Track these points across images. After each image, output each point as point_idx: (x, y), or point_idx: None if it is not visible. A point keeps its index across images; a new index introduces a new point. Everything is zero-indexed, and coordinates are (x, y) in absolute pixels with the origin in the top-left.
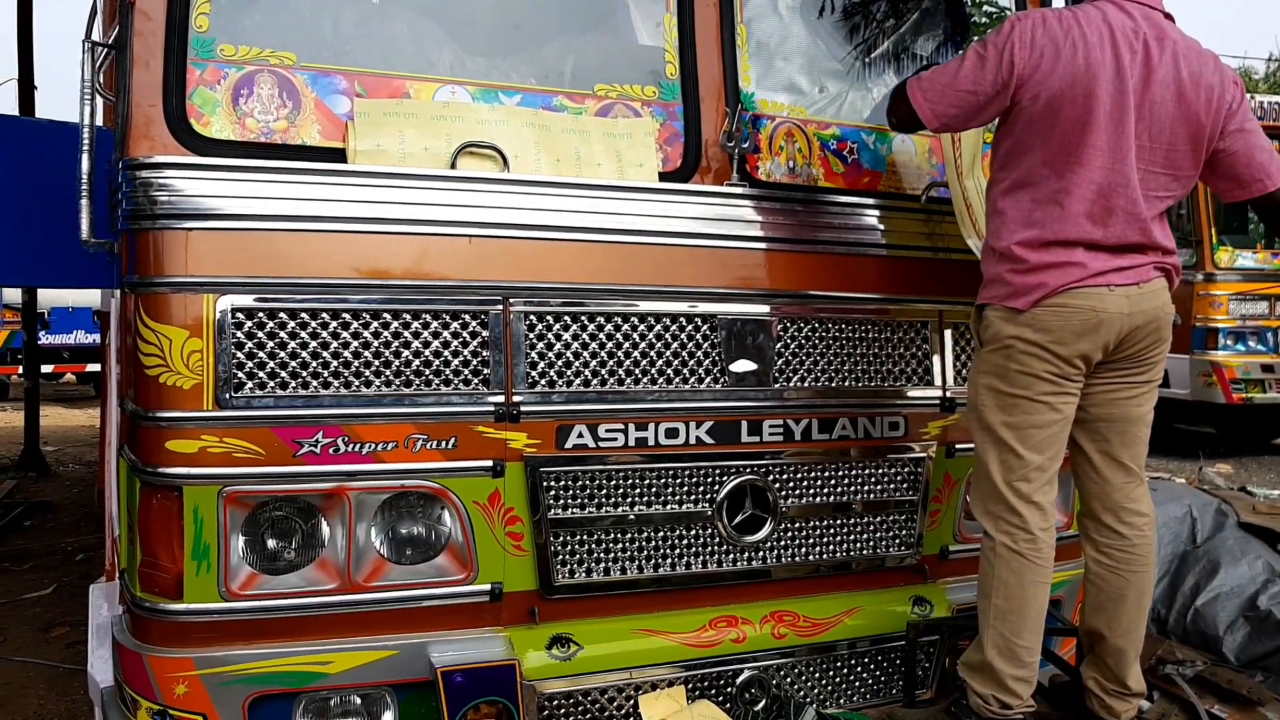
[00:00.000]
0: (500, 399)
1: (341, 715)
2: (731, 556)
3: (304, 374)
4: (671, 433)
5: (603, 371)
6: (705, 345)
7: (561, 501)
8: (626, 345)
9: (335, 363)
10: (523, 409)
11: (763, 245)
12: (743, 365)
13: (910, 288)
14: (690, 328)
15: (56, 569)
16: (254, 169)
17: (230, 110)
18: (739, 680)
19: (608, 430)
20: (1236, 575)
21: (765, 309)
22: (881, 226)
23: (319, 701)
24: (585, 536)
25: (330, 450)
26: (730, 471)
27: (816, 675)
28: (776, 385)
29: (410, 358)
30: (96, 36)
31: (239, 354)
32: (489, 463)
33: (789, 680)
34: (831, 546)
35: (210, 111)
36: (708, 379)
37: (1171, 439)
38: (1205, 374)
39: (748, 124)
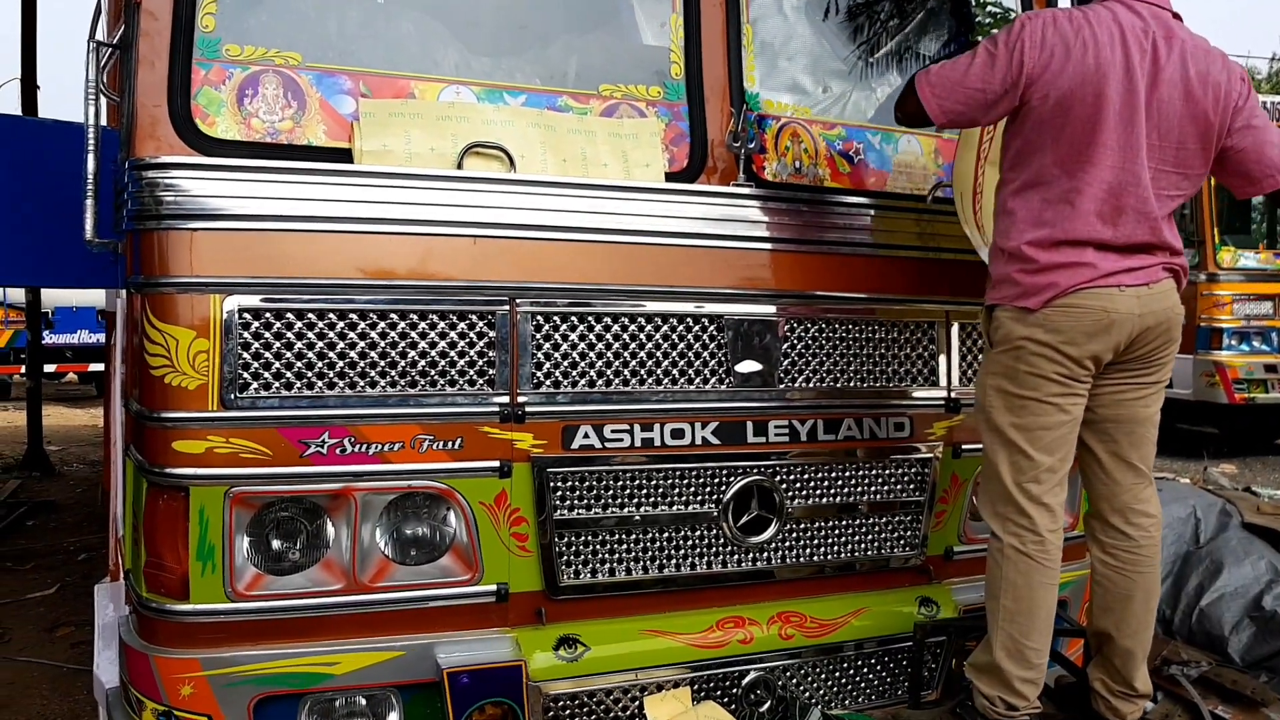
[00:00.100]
0: (506, 399)
1: (347, 716)
2: (737, 557)
3: (310, 374)
4: (677, 433)
5: (608, 372)
6: (711, 346)
7: (567, 502)
8: (633, 346)
9: (341, 363)
10: (529, 409)
11: (769, 246)
12: (748, 366)
13: (916, 288)
14: (696, 328)
15: (60, 569)
16: (259, 169)
17: (235, 110)
18: (744, 681)
19: (613, 431)
20: (1240, 576)
21: (771, 309)
22: (887, 227)
23: (324, 702)
24: (591, 537)
25: (337, 451)
26: (736, 472)
27: (822, 676)
28: (782, 386)
29: (416, 358)
30: (101, 36)
31: (245, 354)
32: (495, 463)
33: (794, 681)
34: (838, 547)
35: (215, 112)
36: (713, 379)
37: (1175, 439)
38: (1208, 374)
39: (753, 124)
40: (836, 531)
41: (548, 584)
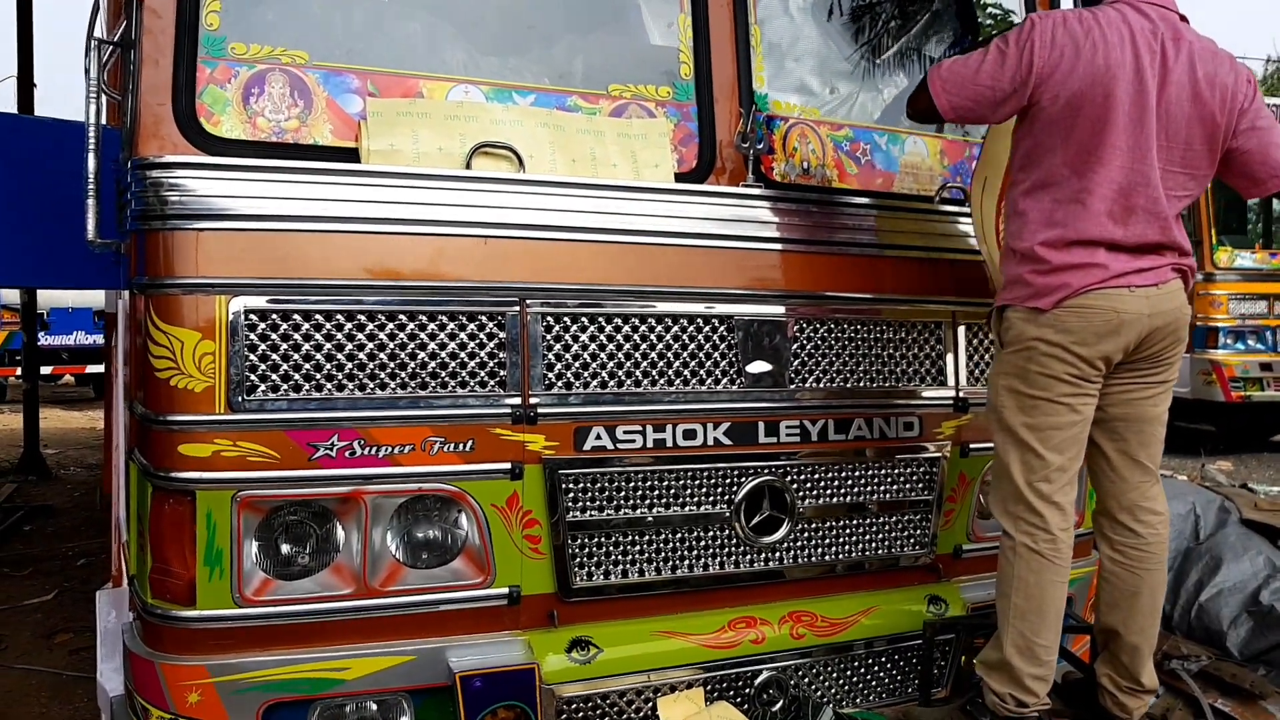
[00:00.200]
0: (518, 401)
1: None
2: (749, 558)
3: (318, 376)
4: (689, 434)
5: (620, 373)
6: (722, 346)
7: (580, 504)
8: (644, 346)
9: (350, 365)
10: (540, 411)
11: (778, 246)
12: (759, 366)
13: (924, 288)
14: (707, 329)
15: (57, 574)
16: (266, 169)
17: (241, 109)
18: (757, 681)
19: (626, 432)
20: (1239, 571)
21: (781, 310)
22: (895, 227)
23: (334, 708)
24: (604, 539)
25: (346, 453)
26: (748, 472)
27: (834, 675)
28: (793, 386)
29: (426, 359)
30: (100, 34)
31: (252, 356)
32: (507, 465)
33: (806, 681)
34: (848, 546)
35: (220, 110)
36: (724, 380)
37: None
38: (1205, 372)
39: (762, 125)
40: (847, 531)
41: (560, 586)
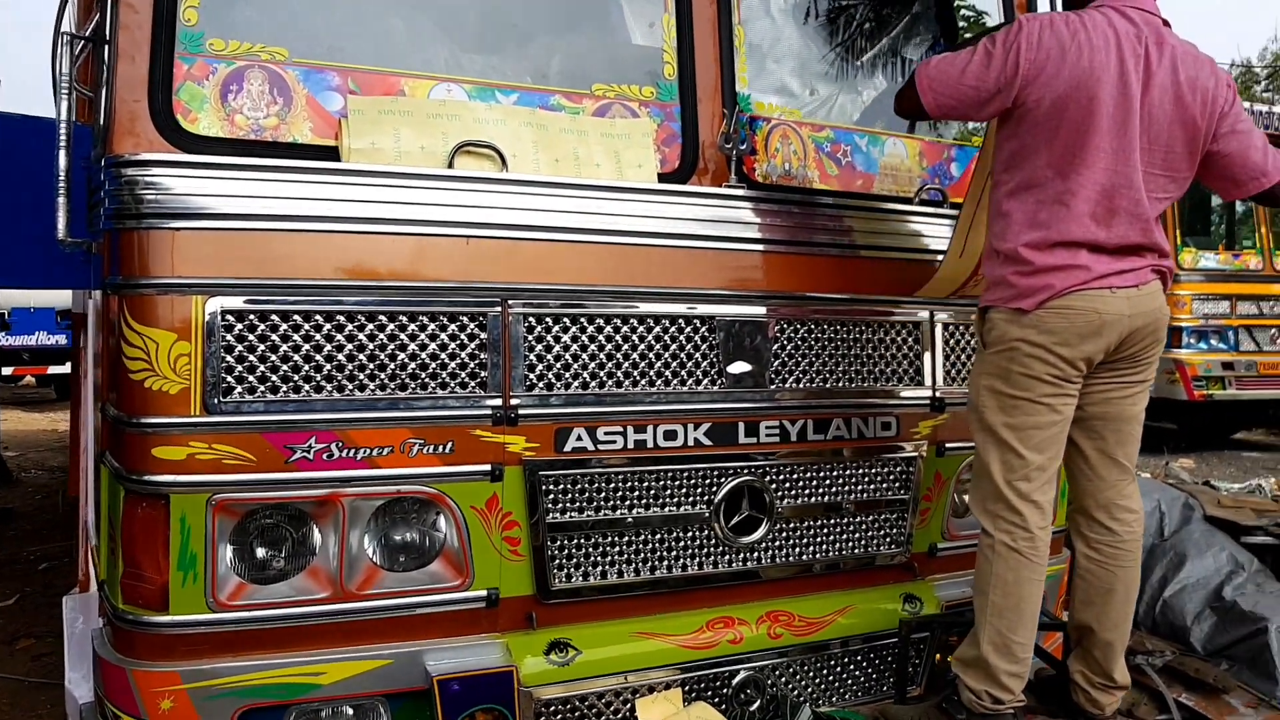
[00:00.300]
0: (498, 402)
1: None
2: (728, 558)
3: (296, 378)
4: (670, 435)
5: (601, 374)
6: (703, 347)
7: (560, 505)
8: (625, 347)
9: (329, 366)
10: (521, 412)
11: (760, 247)
12: (740, 367)
13: (902, 289)
14: (689, 329)
15: (19, 579)
16: (244, 167)
17: (219, 107)
18: (735, 681)
19: (606, 433)
20: (1203, 567)
21: (762, 310)
22: (875, 228)
23: (310, 713)
24: (583, 540)
25: (324, 456)
26: (727, 473)
27: (810, 674)
28: (773, 386)
29: (406, 361)
30: (69, 28)
31: (229, 357)
32: (487, 467)
33: (783, 680)
34: (825, 546)
35: (198, 108)
36: (705, 380)
37: None
38: (1169, 371)
39: (745, 125)
40: (824, 530)
41: (539, 588)
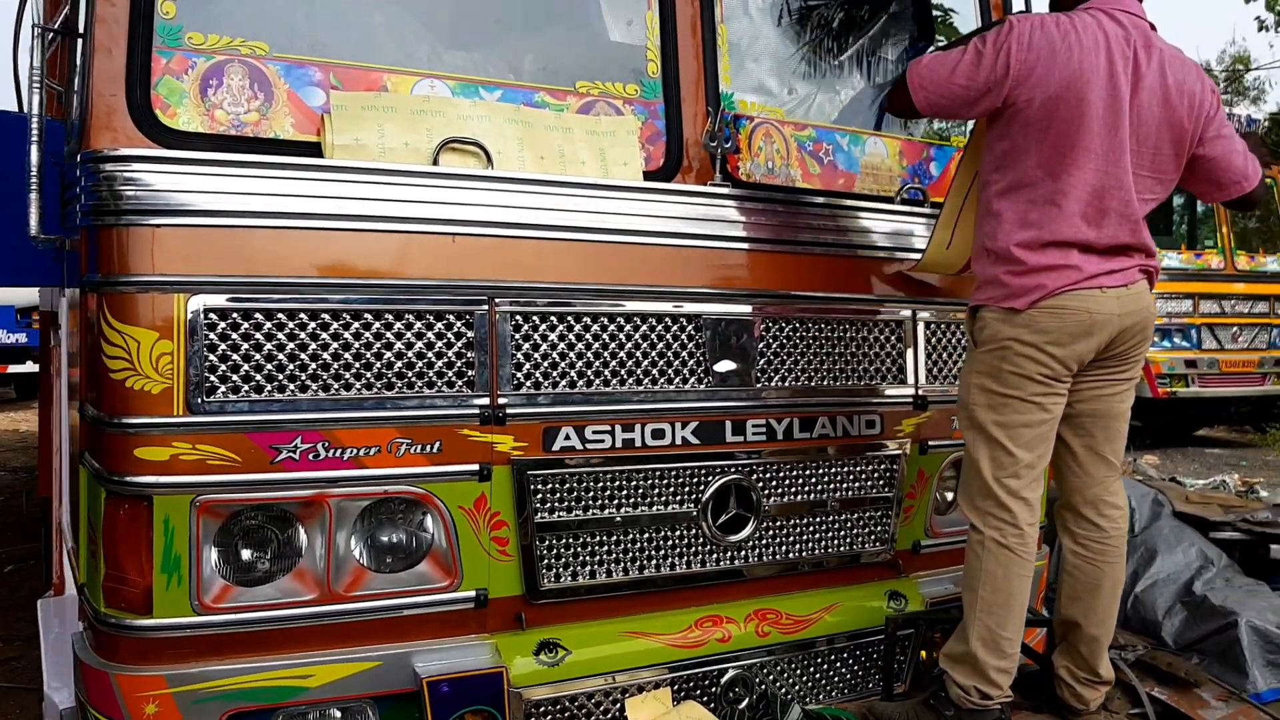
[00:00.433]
0: (486, 401)
1: None
2: (716, 556)
3: (281, 377)
4: (657, 433)
5: (589, 372)
6: (690, 345)
7: (548, 505)
8: (612, 346)
9: (314, 365)
10: (509, 411)
11: (745, 245)
12: (726, 365)
13: (886, 287)
14: (675, 328)
15: None
16: (225, 163)
17: (198, 101)
18: (724, 680)
19: (595, 432)
20: (1173, 562)
21: (748, 309)
22: (857, 226)
23: (297, 716)
24: (572, 540)
25: (310, 456)
26: (715, 471)
27: (797, 672)
28: (759, 385)
29: (393, 359)
30: (35, 19)
31: (212, 356)
32: (475, 466)
33: (771, 678)
34: (812, 544)
35: (177, 102)
36: (692, 379)
37: None
38: None
39: (729, 124)
40: (810, 528)
41: (528, 588)
